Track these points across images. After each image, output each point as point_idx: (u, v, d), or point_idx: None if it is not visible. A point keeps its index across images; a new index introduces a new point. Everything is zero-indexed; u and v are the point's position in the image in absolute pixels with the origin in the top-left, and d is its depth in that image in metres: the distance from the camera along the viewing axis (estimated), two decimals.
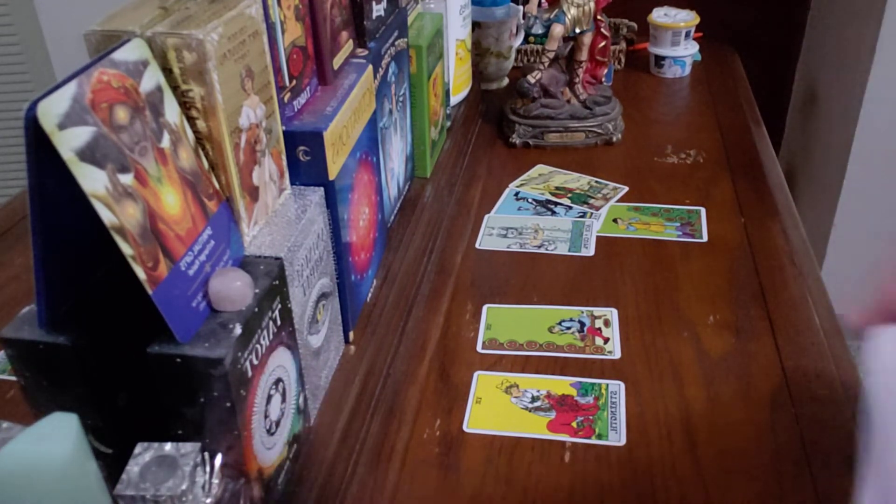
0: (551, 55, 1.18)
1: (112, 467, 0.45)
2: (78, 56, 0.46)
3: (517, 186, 1.14)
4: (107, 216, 0.41)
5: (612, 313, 0.87)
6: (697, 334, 0.83)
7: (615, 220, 1.04)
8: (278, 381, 0.55)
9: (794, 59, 2.09)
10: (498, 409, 0.75)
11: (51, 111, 0.39)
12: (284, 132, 0.62)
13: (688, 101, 1.43)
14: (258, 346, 0.51)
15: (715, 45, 1.60)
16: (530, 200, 1.10)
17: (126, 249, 0.43)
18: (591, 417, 0.74)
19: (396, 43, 0.86)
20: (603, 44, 1.23)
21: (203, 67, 0.49)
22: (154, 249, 0.45)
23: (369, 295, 0.79)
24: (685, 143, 1.24)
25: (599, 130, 1.23)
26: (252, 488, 0.52)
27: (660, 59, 1.49)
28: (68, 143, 0.40)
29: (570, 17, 1.15)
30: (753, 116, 1.34)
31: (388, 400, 0.76)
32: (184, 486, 0.42)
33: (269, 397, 0.54)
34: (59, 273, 0.46)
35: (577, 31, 1.17)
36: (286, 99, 0.63)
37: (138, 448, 0.44)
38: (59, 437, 0.39)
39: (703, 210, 1.05)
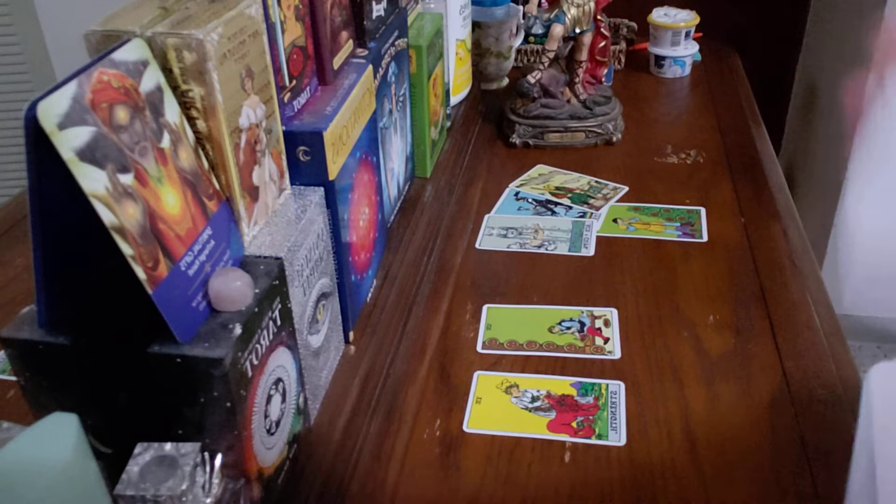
0: (551, 55, 1.18)
1: (112, 467, 0.45)
2: (78, 56, 0.46)
3: (517, 186, 1.14)
4: (107, 216, 0.42)
5: (612, 313, 0.87)
6: (697, 334, 0.83)
7: (615, 220, 1.04)
8: (278, 381, 0.55)
9: (794, 59, 2.09)
10: (498, 409, 0.75)
11: (51, 111, 0.39)
12: (284, 132, 0.62)
13: (688, 101, 1.43)
14: (258, 346, 0.51)
15: (715, 45, 1.60)
16: (530, 200, 1.10)
17: (126, 249, 0.43)
18: (591, 417, 0.74)
19: (396, 43, 0.86)
20: (603, 44, 1.23)
21: (203, 67, 0.49)
22: (154, 249, 0.45)
23: (369, 295, 0.79)
24: (685, 143, 1.24)
25: (599, 130, 1.23)
26: (252, 488, 0.52)
27: (660, 59, 1.49)
28: (68, 143, 0.40)
29: (570, 17, 1.15)
30: (753, 116, 1.34)
31: (388, 400, 0.76)
32: (184, 486, 0.42)
33: (269, 397, 0.54)
34: (59, 273, 0.46)
35: (577, 31, 1.17)
36: (286, 99, 0.63)
37: (138, 448, 0.44)
38: (59, 437, 0.39)
39: (703, 210, 1.05)
